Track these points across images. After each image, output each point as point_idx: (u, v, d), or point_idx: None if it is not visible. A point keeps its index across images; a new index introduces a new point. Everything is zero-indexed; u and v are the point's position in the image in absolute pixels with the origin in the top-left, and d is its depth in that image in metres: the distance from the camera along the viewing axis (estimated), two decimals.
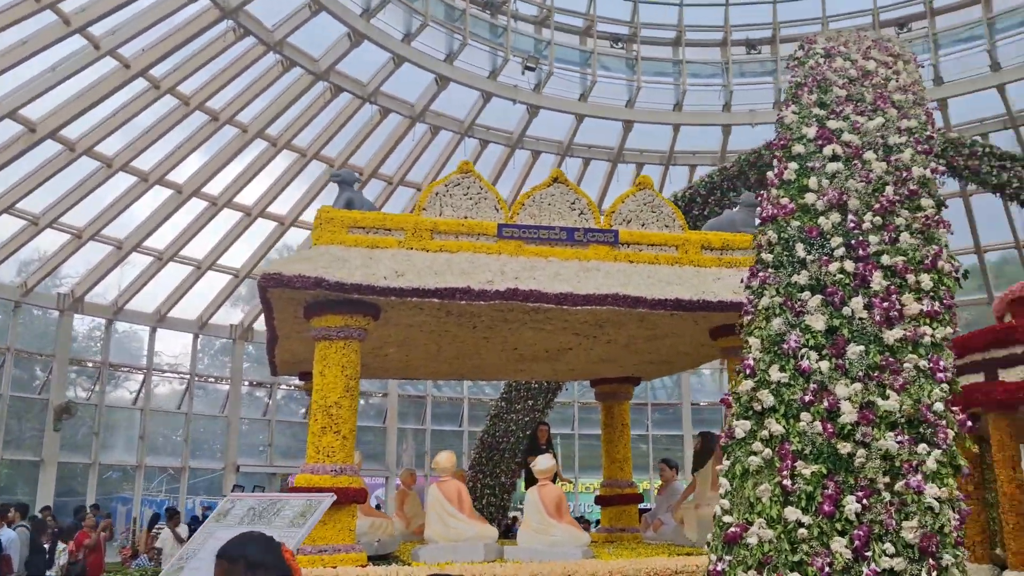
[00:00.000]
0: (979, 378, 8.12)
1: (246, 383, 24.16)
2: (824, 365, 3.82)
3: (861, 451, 3.53)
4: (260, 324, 23.31)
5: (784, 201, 4.72)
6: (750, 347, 4.07)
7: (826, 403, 3.70)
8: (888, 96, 5.52)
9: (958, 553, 3.33)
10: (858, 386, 3.73)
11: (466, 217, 8.29)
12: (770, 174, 5.14)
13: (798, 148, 5.08)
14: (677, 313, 8.18)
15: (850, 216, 4.44)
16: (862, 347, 3.84)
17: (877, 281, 4.09)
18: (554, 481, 12.23)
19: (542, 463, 8.11)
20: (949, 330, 3.95)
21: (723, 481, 3.67)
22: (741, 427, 3.74)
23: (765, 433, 3.67)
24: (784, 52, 20.25)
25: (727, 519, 3.52)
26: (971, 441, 3.71)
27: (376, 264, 7.68)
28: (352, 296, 7.57)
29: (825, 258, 4.28)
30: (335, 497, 4.73)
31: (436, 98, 18.76)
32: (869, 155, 4.91)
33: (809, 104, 5.48)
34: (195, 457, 22.65)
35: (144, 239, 18.81)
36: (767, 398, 3.74)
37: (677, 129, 20.61)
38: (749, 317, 4.19)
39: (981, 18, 18.10)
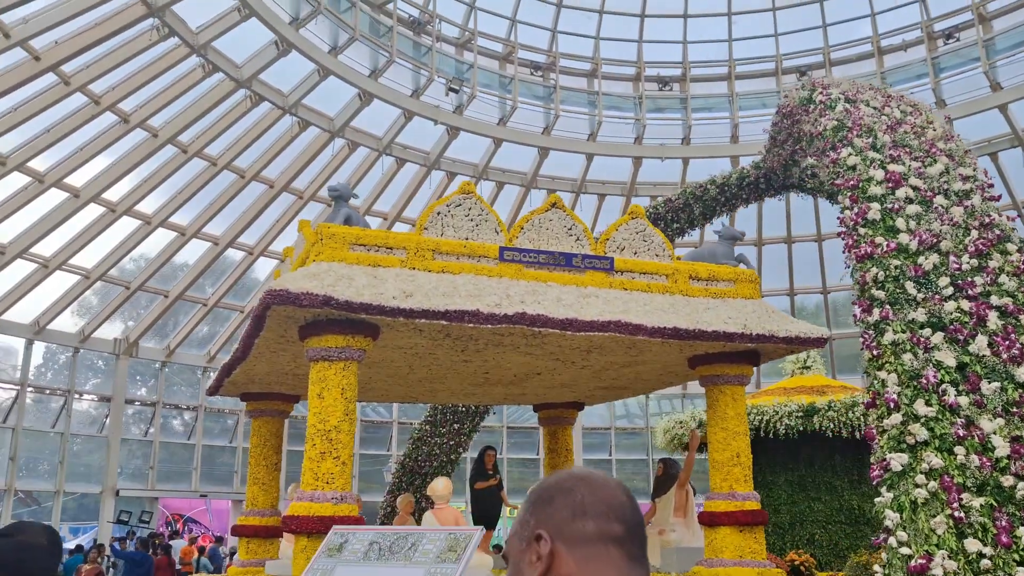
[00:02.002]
0: None
1: (137, 403, 22.87)
2: (964, 400, 3.98)
3: (1021, 484, 3.70)
4: (147, 340, 22.07)
5: (879, 240, 4.88)
6: (882, 381, 4.19)
7: (976, 437, 3.86)
8: (933, 143, 5.83)
9: None
10: (1000, 421, 3.91)
11: (467, 239, 8.15)
12: (848, 213, 5.32)
13: (874, 189, 5.28)
14: (668, 341, 8.30)
15: (951, 258, 4.64)
16: (997, 384, 4.03)
17: (993, 321, 4.29)
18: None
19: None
20: None
21: (890, 514, 3.76)
22: (898, 460, 3.84)
23: (925, 466, 3.78)
24: (695, 91, 21.09)
25: (905, 551, 3.61)
26: None
27: (382, 283, 7.43)
28: (357, 316, 7.29)
29: (936, 297, 4.46)
30: (484, 530, 4.51)
31: (358, 114, 18.40)
32: (940, 200, 5.17)
33: (864, 148, 5.72)
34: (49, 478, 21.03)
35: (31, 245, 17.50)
36: (920, 432, 3.86)
37: (590, 158, 21.04)
38: (875, 352, 4.31)
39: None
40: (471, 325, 7.48)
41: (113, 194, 17.71)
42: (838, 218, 5.45)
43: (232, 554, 18.32)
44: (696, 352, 8.95)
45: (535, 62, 20.83)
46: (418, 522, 12.47)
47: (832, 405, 12.66)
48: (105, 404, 22.19)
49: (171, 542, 19.79)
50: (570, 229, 8.56)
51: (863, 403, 4.28)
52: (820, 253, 22.91)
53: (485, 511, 11.87)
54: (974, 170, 5.59)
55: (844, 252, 5.19)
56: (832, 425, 12.61)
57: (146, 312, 21.78)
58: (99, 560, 15.25)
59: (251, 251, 20.97)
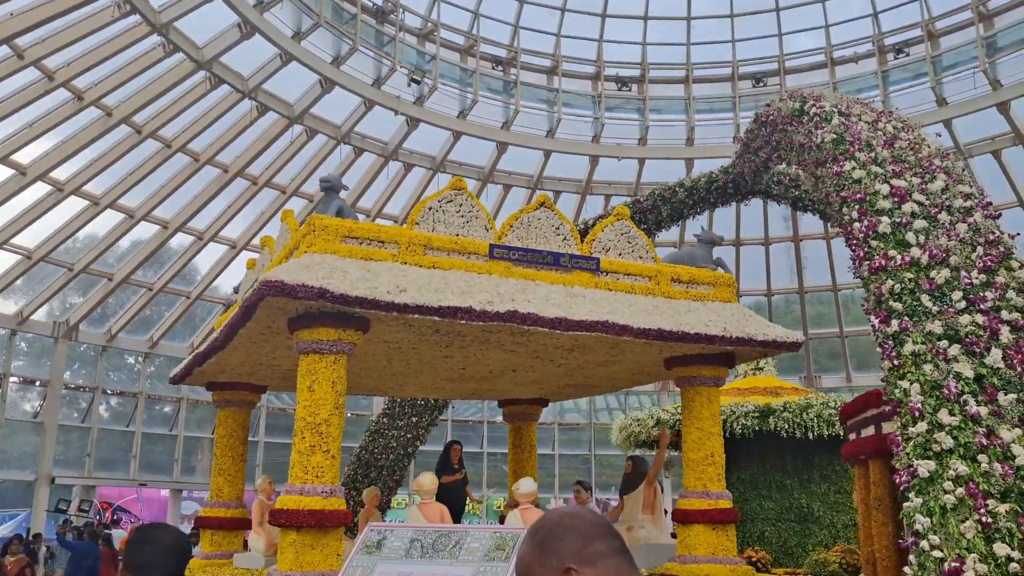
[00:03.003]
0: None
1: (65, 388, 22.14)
2: (984, 410, 4.18)
3: None
4: (87, 324, 21.43)
5: (892, 253, 5.06)
6: (905, 391, 4.36)
7: (998, 446, 4.06)
8: (931, 159, 6.06)
9: None
10: (1018, 431, 4.12)
11: (457, 235, 8.15)
12: (858, 225, 5.50)
13: (882, 203, 5.47)
14: (651, 342, 8.44)
15: (963, 272, 4.85)
16: (1013, 395, 4.24)
17: (1005, 334, 4.51)
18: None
19: (525, 487, 8.07)
20: None
21: (921, 518, 3.93)
22: (925, 467, 4.01)
23: (952, 473, 3.97)
24: (652, 92, 21.36)
25: (937, 554, 3.78)
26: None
27: (375, 277, 7.39)
28: (351, 309, 7.24)
29: (951, 310, 4.65)
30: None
31: (319, 100, 18.16)
32: (944, 215, 5.39)
33: (868, 162, 5.91)
34: None
35: None
36: (946, 440, 4.05)
37: (548, 155, 21.13)
38: (896, 362, 4.49)
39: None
40: (463, 322, 7.50)
41: (61, 173, 17.16)
42: (846, 229, 5.63)
43: None
44: (674, 353, 9.11)
45: (496, 56, 20.84)
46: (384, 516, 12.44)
47: (787, 406, 12.99)
48: (30, 388, 21.49)
49: (111, 531, 19.31)
50: (558, 228, 8.63)
51: (885, 410, 4.44)
52: (767, 256, 23.46)
53: (449, 505, 11.84)
54: (971, 187, 5.84)
55: (854, 263, 5.37)
56: (787, 426, 12.93)
57: (83, 295, 21.15)
58: (22, 550, 14.70)
59: (200, 236, 20.54)
